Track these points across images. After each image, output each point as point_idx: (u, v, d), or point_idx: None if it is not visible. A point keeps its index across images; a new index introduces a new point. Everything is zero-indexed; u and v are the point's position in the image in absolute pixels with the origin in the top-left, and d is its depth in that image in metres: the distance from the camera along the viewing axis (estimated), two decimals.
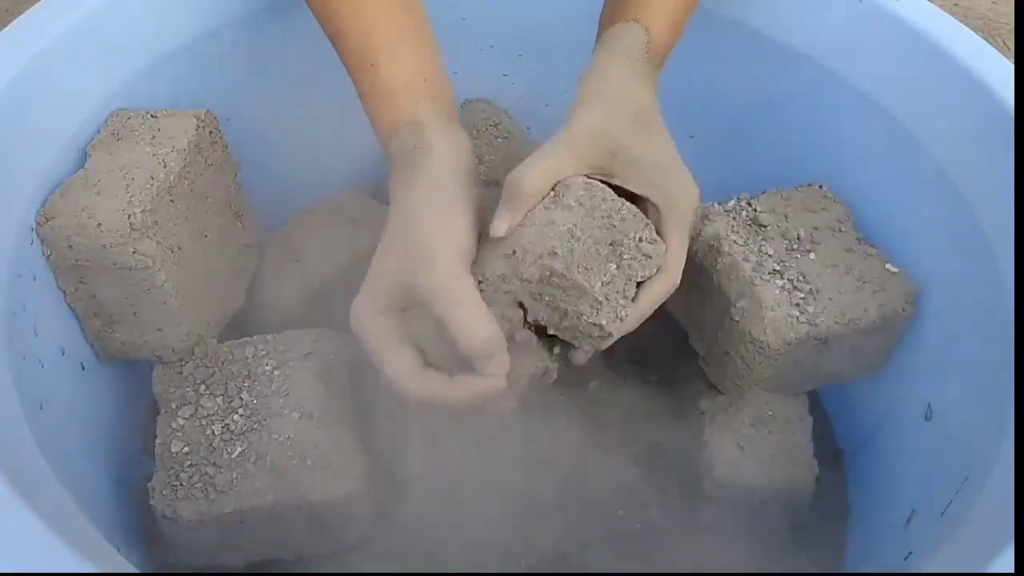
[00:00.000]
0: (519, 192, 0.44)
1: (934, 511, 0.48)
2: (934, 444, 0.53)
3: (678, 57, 0.54)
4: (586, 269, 0.42)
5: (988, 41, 0.54)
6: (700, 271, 0.57)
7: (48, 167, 0.50)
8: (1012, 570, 0.35)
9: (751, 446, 0.55)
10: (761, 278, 0.54)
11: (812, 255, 0.56)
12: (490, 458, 0.56)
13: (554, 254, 0.42)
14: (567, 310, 0.43)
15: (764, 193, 0.60)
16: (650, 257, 0.45)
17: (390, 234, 0.44)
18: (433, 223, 0.43)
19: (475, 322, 0.41)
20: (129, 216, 0.47)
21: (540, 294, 0.43)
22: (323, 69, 0.52)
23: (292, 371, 0.53)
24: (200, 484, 0.48)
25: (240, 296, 0.60)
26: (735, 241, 0.56)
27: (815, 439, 0.57)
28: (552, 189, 0.44)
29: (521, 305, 0.44)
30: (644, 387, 0.61)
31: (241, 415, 0.51)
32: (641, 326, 0.46)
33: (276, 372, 0.53)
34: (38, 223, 0.48)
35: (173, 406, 0.52)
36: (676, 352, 0.61)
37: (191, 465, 0.49)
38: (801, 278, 0.54)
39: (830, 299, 0.53)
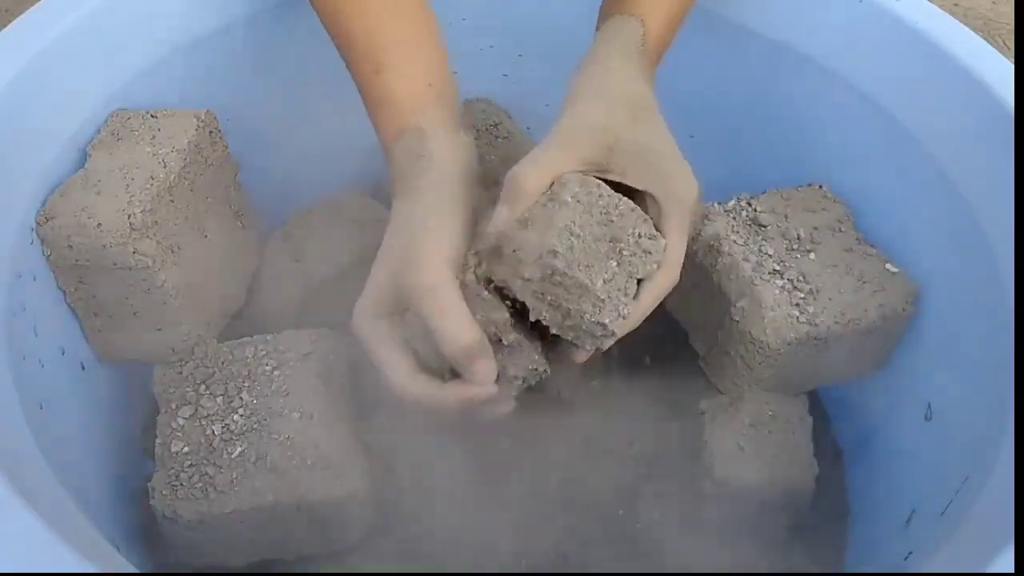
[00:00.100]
0: (519, 189, 0.43)
1: (934, 511, 0.48)
2: (934, 444, 0.53)
3: (678, 57, 0.54)
4: (587, 267, 0.42)
5: (988, 41, 0.54)
6: (700, 271, 0.57)
7: (48, 167, 0.50)
8: (1012, 570, 0.35)
9: (751, 446, 0.55)
10: (761, 278, 0.54)
11: (812, 255, 0.56)
12: (490, 458, 0.56)
13: (555, 252, 0.42)
14: (570, 309, 0.43)
15: (764, 193, 0.60)
16: (650, 253, 0.45)
17: (388, 240, 0.45)
18: (426, 229, 0.44)
19: (457, 327, 0.42)
20: (129, 216, 0.47)
21: (542, 293, 0.43)
22: (324, 69, 0.52)
23: (292, 371, 0.53)
24: (200, 484, 0.48)
25: (240, 296, 0.60)
26: (735, 241, 0.56)
27: (815, 439, 0.57)
28: (549, 187, 0.44)
29: (519, 306, 0.44)
30: (644, 387, 0.61)
31: (241, 415, 0.51)
32: (641, 325, 0.46)
33: (276, 372, 0.53)
34: (38, 223, 0.48)
35: (173, 406, 0.52)
36: (676, 352, 0.61)
37: (191, 465, 0.49)
38: (801, 278, 0.54)
39: (830, 299, 0.53)
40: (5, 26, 0.51)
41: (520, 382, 0.45)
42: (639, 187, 0.46)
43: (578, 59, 0.50)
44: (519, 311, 0.44)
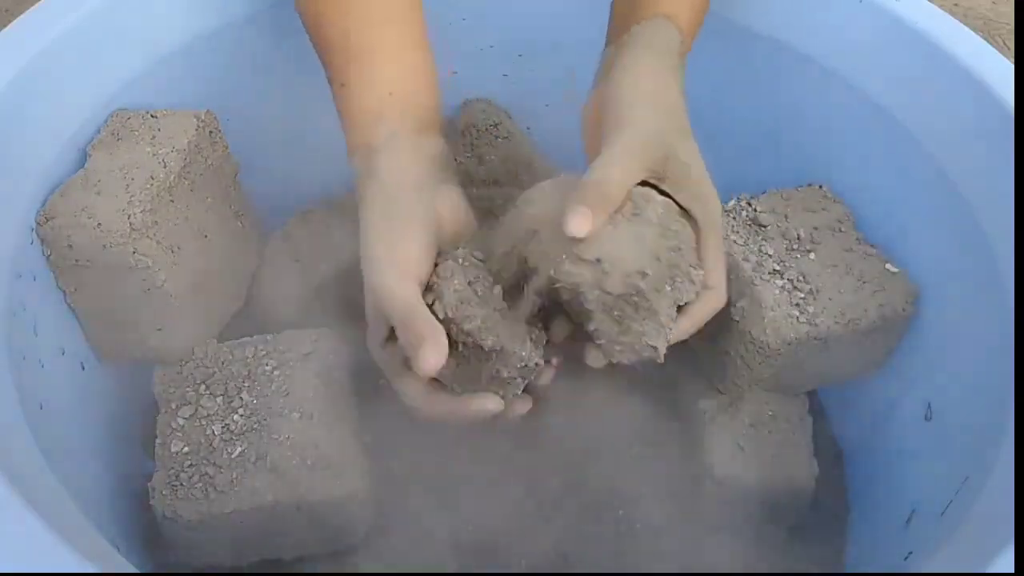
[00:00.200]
0: (607, 196, 0.42)
1: (934, 511, 0.48)
2: (934, 444, 0.53)
3: None
4: (658, 292, 0.42)
5: (988, 41, 0.54)
6: None
7: (48, 167, 0.50)
8: (1012, 570, 0.35)
9: (751, 446, 0.55)
10: (761, 278, 0.54)
11: (812, 255, 0.56)
12: (490, 458, 0.56)
13: (644, 274, 0.41)
14: (631, 327, 0.42)
15: (764, 193, 0.60)
16: (693, 283, 0.44)
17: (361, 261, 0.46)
18: (378, 248, 0.44)
19: (417, 338, 0.41)
20: (129, 216, 0.47)
21: (612, 308, 0.42)
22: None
23: (292, 371, 0.53)
24: (200, 484, 0.48)
25: (240, 296, 0.60)
26: (735, 241, 0.56)
27: (815, 439, 0.57)
28: (630, 199, 0.43)
29: (580, 310, 0.43)
30: (644, 387, 0.61)
31: (241, 415, 0.51)
32: None
33: (276, 372, 0.53)
34: (38, 223, 0.48)
35: (173, 406, 0.52)
36: (676, 352, 0.61)
37: (191, 465, 0.49)
38: (801, 278, 0.54)
39: (830, 299, 0.53)
40: (5, 26, 0.51)
41: (518, 380, 0.44)
42: (684, 205, 0.45)
43: (578, 60, 0.49)
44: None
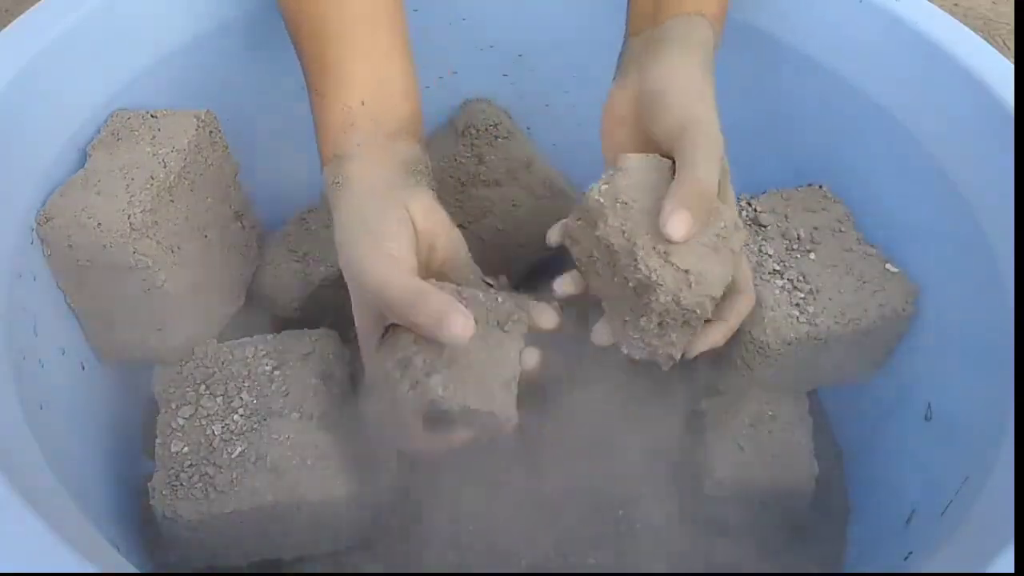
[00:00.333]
0: (706, 200, 0.41)
1: (934, 511, 0.48)
2: (934, 444, 0.53)
3: None
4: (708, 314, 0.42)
5: (988, 41, 0.54)
6: None
7: (48, 167, 0.50)
8: (1012, 570, 0.35)
9: (751, 446, 0.55)
10: (761, 278, 0.54)
11: (812, 255, 0.56)
12: (490, 458, 0.56)
13: (714, 299, 0.41)
14: (669, 335, 0.42)
15: (764, 193, 0.60)
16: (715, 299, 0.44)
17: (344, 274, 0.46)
18: (361, 248, 0.44)
19: (404, 297, 0.41)
20: (129, 216, 0.47)
21: (668, 314, 0.41)
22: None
23: (292, 371, 0.53)
24: (200, 484, 0.48)
25: (240, 296, 0.60)
26: None
27: (815, 439, 0.57)
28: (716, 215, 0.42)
29: (625, 296, 0.42)
30: (644, 387, 0.61)
31: (241, 415, 0.51)
32: None
33: (276, 372, 0.53)
34: (38, 223, 0.48)
35: (173, 406, 0.52)
36: None
37: (191, 465, 0.49)
38: (801, 278, 0.54)
39: (830, 299, 0.53)
40: (5, 26, 0.51)
41: (517, 366, 0.44)
42: None
43: (578, 60, 0.49)
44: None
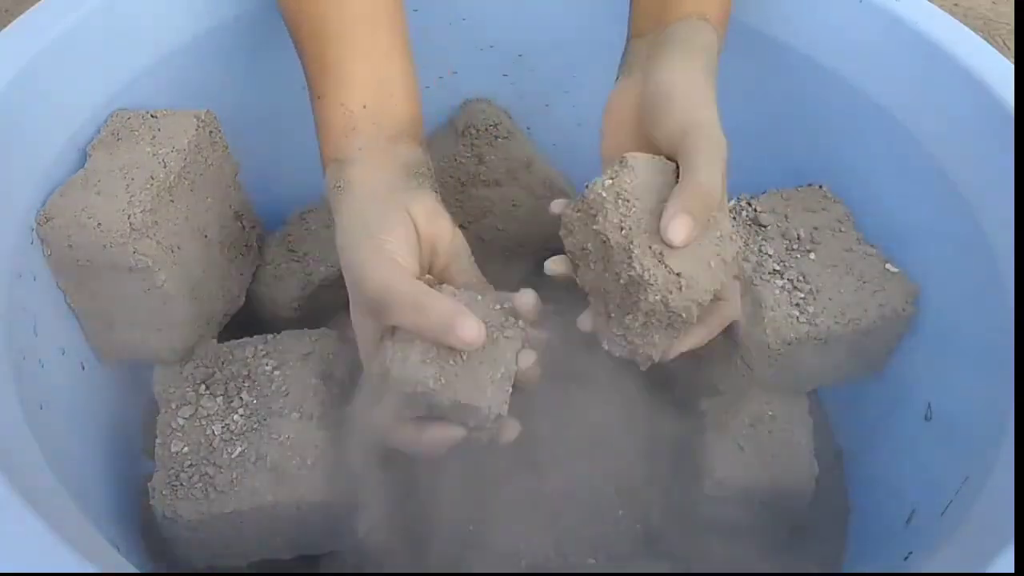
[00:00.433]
0: (708, 205, 0.40)
1: (934, 511, 0.48)
2: (934, 444, 0.54)
3: None
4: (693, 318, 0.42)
5: (988, 41, 0.54)
6: None
7: (48, 167, 0.50)
8: (1012, 570, 0.35)
9: (751, 446, 0.55)
10: (761, 278, 0.54)
11: (812, 255, 0.56)
12: (489, 458, 0.56)
13: (701, 305, 0.41)
14: (651, 334, 0.42)
15: (764, 193, 0.60)
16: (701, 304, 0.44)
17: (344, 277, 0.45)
18: (363, 251, 0.44)
19: (417, 306, 0.41)
20: (129, 216, 0.47)
21: (654, 314, 0.41)
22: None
23: (292, 371, 0.53)
24: (200, 484, 0.48)
25: (240, 296, 0.60)
26: None
27: (815, 439, 0.57)
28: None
29: (613, 288, 0.42)
30: (644, 387, 0.61)
31: (241, 415, 0.51)
32: None
33: (276, 372, 0.53)
34: (38, 223, 0.48)
35: (173, 406, 0.52)
36: None
37: (191, 465, 0.49)
38: (801, 278, 0.54)
39: (830, 299, 0.53)
40: (5, 26, 0.51)
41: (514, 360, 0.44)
42: None
43: (578, 60, 0.49)
44: None
